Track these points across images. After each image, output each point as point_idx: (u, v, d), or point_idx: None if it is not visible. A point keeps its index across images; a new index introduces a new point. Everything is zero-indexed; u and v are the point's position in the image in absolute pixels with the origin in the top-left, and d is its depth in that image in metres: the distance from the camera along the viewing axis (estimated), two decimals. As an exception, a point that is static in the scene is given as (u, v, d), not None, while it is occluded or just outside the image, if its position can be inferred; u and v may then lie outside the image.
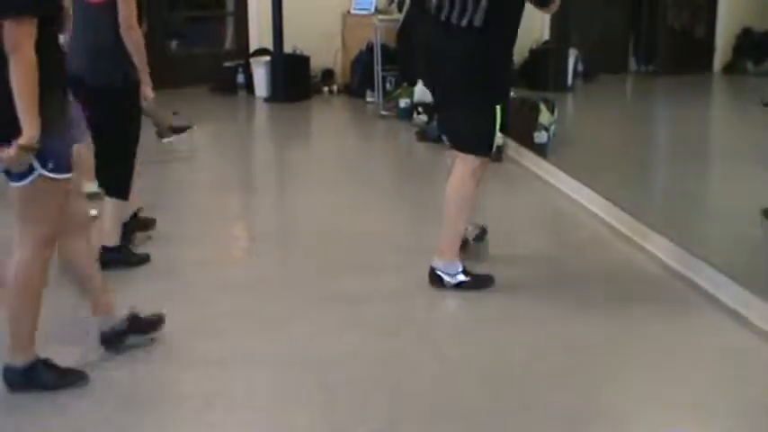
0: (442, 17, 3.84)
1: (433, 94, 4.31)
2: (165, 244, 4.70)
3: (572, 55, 9.84)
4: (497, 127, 3.93)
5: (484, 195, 6.27)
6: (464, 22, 3.77)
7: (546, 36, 10.07)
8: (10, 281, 2.98)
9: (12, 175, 2.89)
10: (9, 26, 2.71)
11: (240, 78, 10.14)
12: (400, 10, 9.27)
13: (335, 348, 3.44)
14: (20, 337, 3.04)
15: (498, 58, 3.92)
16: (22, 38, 2.70)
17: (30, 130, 2.74)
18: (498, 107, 3.90)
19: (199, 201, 5.80)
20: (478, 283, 4.03)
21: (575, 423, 2.90)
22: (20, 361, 3.06)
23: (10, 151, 2.76)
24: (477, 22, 3.75)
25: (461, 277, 4.00)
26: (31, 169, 2.85)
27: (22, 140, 2.74)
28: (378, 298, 3.92)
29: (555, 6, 3.95)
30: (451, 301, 3.91)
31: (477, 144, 3.96)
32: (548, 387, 3.12)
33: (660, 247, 4.38)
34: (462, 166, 3.98)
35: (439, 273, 4.01)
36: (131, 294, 3.97)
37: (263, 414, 2.96)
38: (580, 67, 10.25)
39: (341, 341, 3.51)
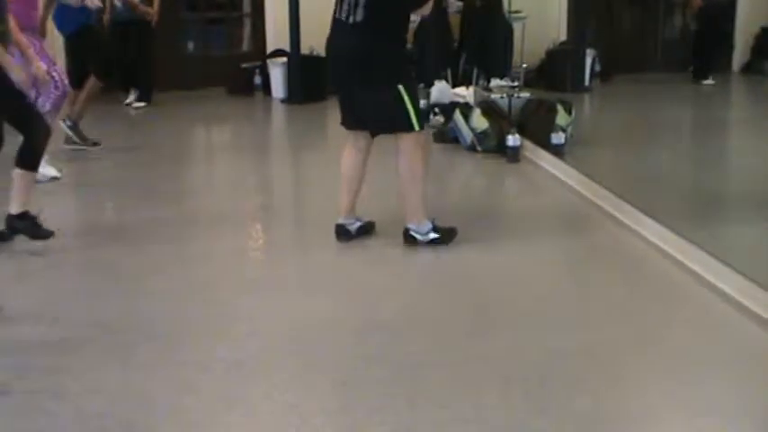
0: (338, 16, 4.27)
1: (340, 94, 4.62)
2: (179, 246, 4.73)
3: (589, 55, 9.82)
4: (413, 102, 4.27)
5: (500, 196, 6.31)
6: (351, 20, 4.18)
7: (563, 37, 10.04)
8: None
9: None
10: None
11: (257, 80, 10.19)
12: (416, 10, 9.27)
13: (353, 350, 3.44)
14: None
15: (384, 49, 4.26)
16: None
17: None
18: (401, 86, 4.24)
19: (216, 201, 5.82)
20: (446, 236, 4.44)
21: (591, 427, 2.89)
22: None
23: None
24: (359, 17, 4.16)
25: (433, 235, 4.42)
26: None
27: None
28: (390, 299, 3.92)
29: (428, 8, 4.40)
30: (466, 303, 3.89)
31: (402, 121, 4.30)
32: (564, 390, 3.10)
33: (678, 248, 4.35)
34: (403, 143, 4.37)
35: (412, 233, 4.43)
36: (147, 291, 4.01)
37: (282, 415, 2.97)
38: (597, 68, 10.23)
39: (359, 342, 3.51)
